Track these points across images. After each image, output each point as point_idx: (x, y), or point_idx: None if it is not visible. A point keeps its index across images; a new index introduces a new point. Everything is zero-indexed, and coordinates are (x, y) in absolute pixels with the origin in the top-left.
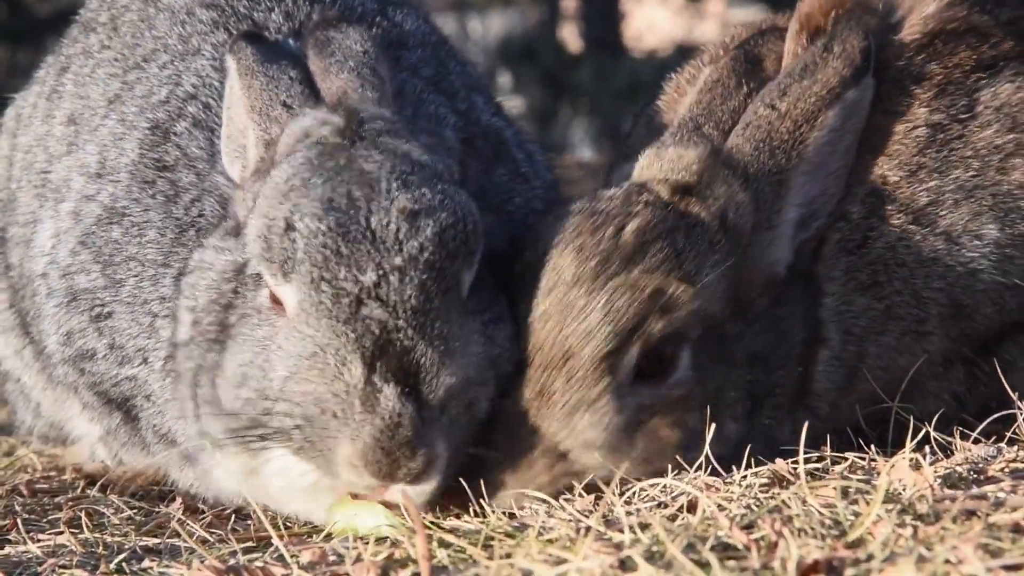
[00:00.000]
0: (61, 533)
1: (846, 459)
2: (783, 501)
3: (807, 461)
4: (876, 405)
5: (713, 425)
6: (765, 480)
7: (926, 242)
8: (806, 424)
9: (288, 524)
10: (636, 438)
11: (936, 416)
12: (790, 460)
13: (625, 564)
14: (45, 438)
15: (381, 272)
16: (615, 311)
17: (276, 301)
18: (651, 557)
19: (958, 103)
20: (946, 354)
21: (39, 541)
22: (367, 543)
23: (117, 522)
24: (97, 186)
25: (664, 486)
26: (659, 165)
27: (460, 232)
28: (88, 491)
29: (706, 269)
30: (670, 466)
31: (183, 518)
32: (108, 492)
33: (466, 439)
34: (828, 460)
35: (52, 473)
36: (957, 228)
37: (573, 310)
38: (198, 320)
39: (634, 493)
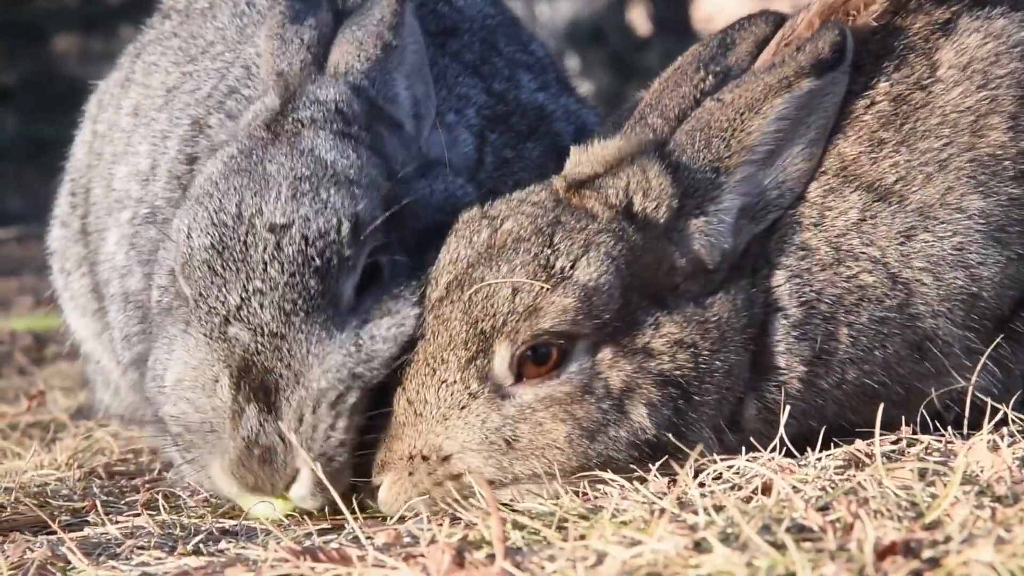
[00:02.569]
0: (139, 515)
1: (922, 441)
2: (859, 483)
3: (883, 443)
4: (867, 399)
5: (637, 411)
6: (840, 462)
7: (896, 220)
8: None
9: (363, 506)
10: (518, 435)
11: (965, 399)
12: (867, 442)
13: (700, 545)
14: (123, 418)
15: (245, 295)
16: (472, 316)
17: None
18: (726, 539)
19: (919, 70)
20: (964, 340)
21: (118, 523)
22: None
23: (193, 504)
24: (146, 189)
25: (738, 469)
26: (575, 159)
27: (331, 243)
28: (164, 473)
29: (586, 264)
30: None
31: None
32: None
33: (342, 432)
34: (904, 442)
35: (129, 456)
36: (932, 203)
37: (441, 319)
38: (159, 298)
39: (708, 475)
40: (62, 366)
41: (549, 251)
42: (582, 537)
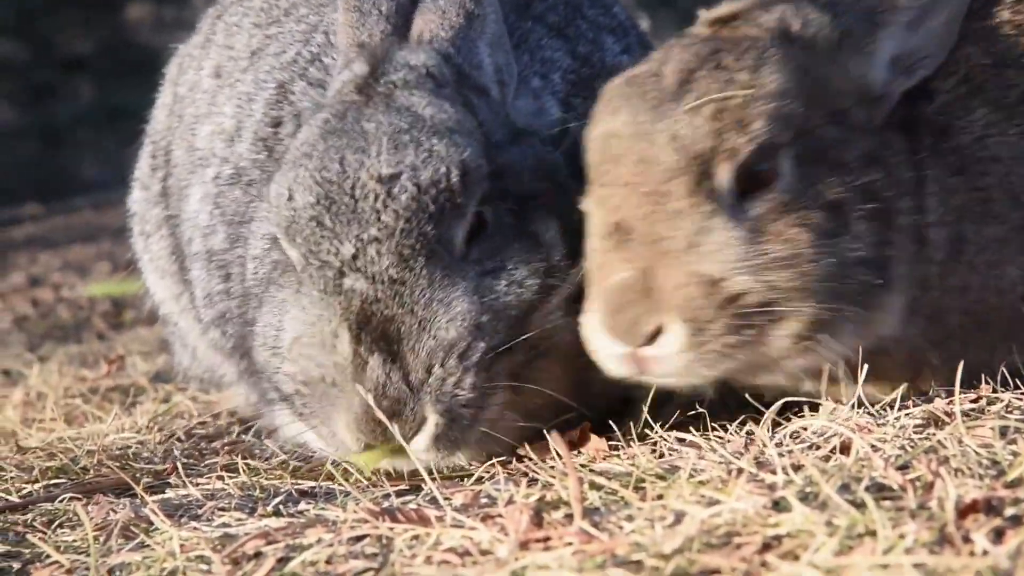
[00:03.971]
0: (221, 478)
1: (1002, 399)
2: (939, 441)
3: (962, 401)
4: (980, 324)
5: (855, 225)
6: (919, 420)
7: (1021, 141)
8: (961, 364)
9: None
10: (766, 246)
11: None
12: (946, 400)
13: (779, 505)
14: (201, 380)
15: (360, 244)
16: (682, 143)
17: None
18: (805, 498)
19: None
20: None
21: (198, 484)
22: (518, 486)
23: (272, 466)
24: (231, 148)
25: (816, 428)
26: (712, 10)
27: (443, 189)
28: (243, 436)
29: (763, 73)
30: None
31: (338, 461)
32: (263, 437)
33: (469, 389)
34: (984, 400)
35: (208, 419)
36: None
37: (639, 152)
38: (255, 270)
39: (785, 435)
40: (140, 331)
41: (724, 71)
42: (660, 497)
